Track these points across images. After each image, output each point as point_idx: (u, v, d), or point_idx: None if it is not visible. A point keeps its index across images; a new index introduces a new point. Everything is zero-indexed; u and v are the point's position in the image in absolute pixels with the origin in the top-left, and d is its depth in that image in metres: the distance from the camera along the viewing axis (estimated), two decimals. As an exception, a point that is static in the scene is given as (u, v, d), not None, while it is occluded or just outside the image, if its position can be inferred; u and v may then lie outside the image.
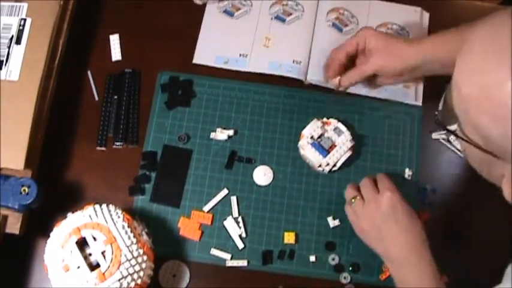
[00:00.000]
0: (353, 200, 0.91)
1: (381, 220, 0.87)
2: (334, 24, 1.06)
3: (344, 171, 0.98)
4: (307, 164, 0.98)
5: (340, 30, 1.06)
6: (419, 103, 1.02)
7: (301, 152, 0.97)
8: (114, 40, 1.06)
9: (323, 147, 0.97)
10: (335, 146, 0.97)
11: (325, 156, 0.96)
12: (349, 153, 0.97)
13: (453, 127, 0.64)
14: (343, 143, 0.97)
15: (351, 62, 0.98)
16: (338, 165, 0.97)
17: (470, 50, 0.58)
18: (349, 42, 0.96)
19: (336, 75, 0.97)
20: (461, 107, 0.60)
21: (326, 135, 0.97)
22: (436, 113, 0.68)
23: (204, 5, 1.08)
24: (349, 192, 0.93)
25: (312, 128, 0.97)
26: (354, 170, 0.99)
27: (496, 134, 0.55)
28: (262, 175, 0.98)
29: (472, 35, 0.59)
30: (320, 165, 0.96)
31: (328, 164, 0.96)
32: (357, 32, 0.97)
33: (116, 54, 1.05)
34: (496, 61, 0.54)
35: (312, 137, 0.97)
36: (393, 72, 0.94)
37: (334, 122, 0.98)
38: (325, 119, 0.98)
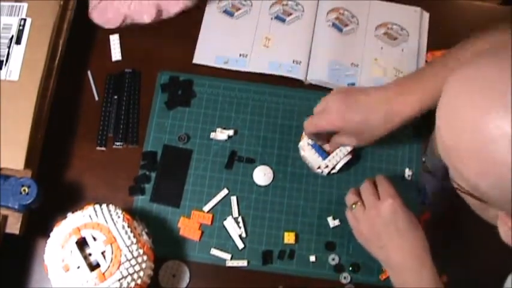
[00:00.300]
0: (354, 206, 0.90)
1: (382, 226, 0.86)
2: (334, 24, 1.06)
3: (344, 172, 0.98)
4: (307, 165, 0.98)
5: (340, 30, 1.06)
6: (419, 103, 1.02)
7: (301, 153, 0.97)
8: (114, 40, 1.06)
9: (323, 149, 0.96)
10: None
11: (324, 158, 0.96)
12: (348, 157, 0.96)
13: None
14: (343, 146, 0.96)
15: None
16: (337, 168, 0.96)
17: (447, 106, 0.57)
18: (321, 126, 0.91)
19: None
20: (448, 159, 0.59)
21: None
22: (424, 159, 0.67)
23: (204, 5, 1.08)
24: (349, 198, 0.91)
25: None
26: (353, 171, 0.98)
27: (484, 186, 0.55)
28: (262, 175, 0.98)
29: (448, 88, 0.58)
30: (319, 167, 0.96)
31: (327, 167, 0.96)
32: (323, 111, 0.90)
33: (116, 54, 1.05)
34: (474, 117, 0.53)
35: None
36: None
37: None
38: None
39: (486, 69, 0.54)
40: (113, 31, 1.06)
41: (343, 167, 0.97)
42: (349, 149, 0.96)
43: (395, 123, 0.88)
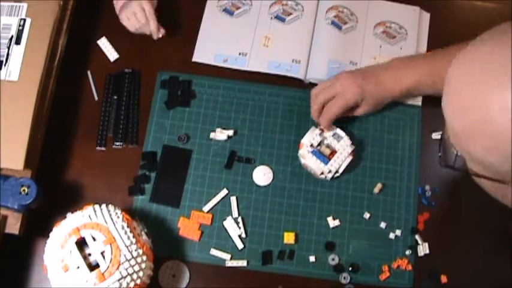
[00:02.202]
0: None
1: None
2: (333, 22, 1.06)
3: (344, 172, 0.98)
4: (309, 172, 0.98)
5: (340, 28, 1.06)
6: (419, 103, 1.02)
7: (302, 161, 0.97)
8: (104, 43, 1.05)
9: (324, 154, 0.96)
10: (335, 152, 0.96)
11: (326, 163, 0.95)
12: (350, 158, 0.96)
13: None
14: (343, 148, 0.96)
15: None
16: (340, 171, 0.96)
17: (451, 90, 0.58)
18: (342, 106, 0.96)
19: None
20: (459, 145, 0.60)
21: (325, 142, 0.97)
22: (439, 154, 0.68)
23: (203, 3, 1.08)
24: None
25: (311, 136, 0.96)
26: (354, 171, 0.98)
27: (496, 163, 0.56)
28: (262, 175, 0.98)
29: (450, 72, 0.59)
30: (322, 173, 0.95)
31: (330, 171, 0.95)
32: (334, 82, 0.96)
33: (113, 54, 1.05)
34: (476, 94, 0.54)
35: (311, 145, 0.96)
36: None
37: (332, 128, 0.97)
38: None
39: (486, 49, 0.55)
40: (102, 34, 1.06)
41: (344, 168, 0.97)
42: (349, 150, 0.96)
43: (395, 93, 0.96)
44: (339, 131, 0.97)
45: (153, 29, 1.00)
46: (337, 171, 0.96)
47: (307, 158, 0.95)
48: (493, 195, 0.67)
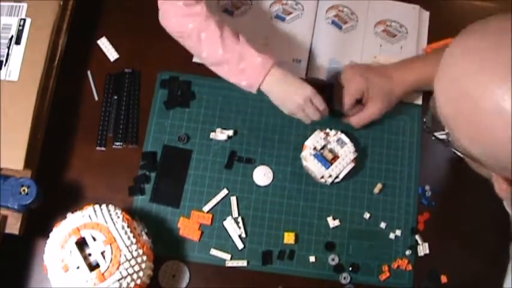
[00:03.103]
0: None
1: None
2: (333, 22, 1.06)
3: (344, 171, 0.98)
4: (309, 175, 0.98)
5: (340, 27, 1.06)
6: (420, 103, 1.02)
7: (304, 163, 0.96)
8: (104, 43, 1.05)
9: (326, 158, 0.96)
10: (338, 157, 0.96)
11: (327, 168, 0.95)
12: (352, 165, 0.95)
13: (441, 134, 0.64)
14: (346, 154, 0.95)
15: None
16: (340, 177, 0.95)
17: (446, 74, 0.57)
18: (350, 97, 0.96)
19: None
20: (444, 123, 0.59)
21: (329, 146, 0.96)
22: (424, 119, 0.67)
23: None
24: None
25: (315, 139, 0.96)
26: (353, 171, 0.98)
27: (476, 153, 0.55)
28: (262, 175, 0.98)
29: (445, 58, 0.57)
30: (322, 177, 0.95)
31: (330, 176, 0.95)
32: (346, 77, 0.97)
33: (113, 54, 1.05)
34: (470, 85, 0.53)
35: (314, 148, 0.96)
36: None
37: (337, 133, 0.97)
38: (327, 130, 0.97)
39: (491, 38, 0.53)
40: (103, 34, 1.06)
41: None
42: (352, 157, 0.95)
43: (405, 85, 0.97)
44: (343, 136, 0.96)
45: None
46: (337, 177, 0.95)
47: (309, 161, 0.95)
48: (468, 163, 0.66)
